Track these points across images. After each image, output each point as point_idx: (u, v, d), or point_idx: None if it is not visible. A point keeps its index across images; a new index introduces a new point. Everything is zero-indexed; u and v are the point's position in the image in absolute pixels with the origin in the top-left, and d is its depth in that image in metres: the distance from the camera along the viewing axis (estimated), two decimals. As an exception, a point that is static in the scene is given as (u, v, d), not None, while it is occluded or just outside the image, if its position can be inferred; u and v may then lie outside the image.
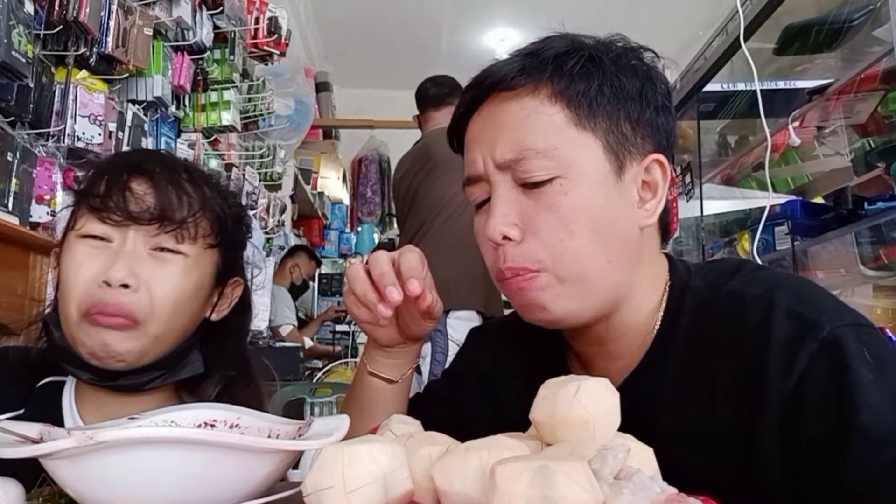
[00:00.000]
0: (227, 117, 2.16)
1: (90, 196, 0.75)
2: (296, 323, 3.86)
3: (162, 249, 0.75)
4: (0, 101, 1.25)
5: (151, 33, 1.68)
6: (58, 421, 0.77)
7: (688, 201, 2.52)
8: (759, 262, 1.77)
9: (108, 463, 0.44)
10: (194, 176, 0.80)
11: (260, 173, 2.72)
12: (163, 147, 1.83)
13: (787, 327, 0.55)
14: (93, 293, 0.72)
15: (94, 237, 0.74)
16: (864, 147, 1.90)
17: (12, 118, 1.31)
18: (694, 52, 2.51)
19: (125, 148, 1.60)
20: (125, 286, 0.72)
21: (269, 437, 0.58)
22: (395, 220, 4.19)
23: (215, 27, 2.11)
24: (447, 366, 0.89)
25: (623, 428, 0.43)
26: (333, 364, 3.33)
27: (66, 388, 0.81)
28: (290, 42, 2.72)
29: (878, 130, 1.82)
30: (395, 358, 0.76)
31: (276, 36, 2.55)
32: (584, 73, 0.62)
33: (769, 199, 1.80)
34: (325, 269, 5.28)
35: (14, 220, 1.27)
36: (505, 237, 0.62)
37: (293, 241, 4.05)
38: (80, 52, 1.46)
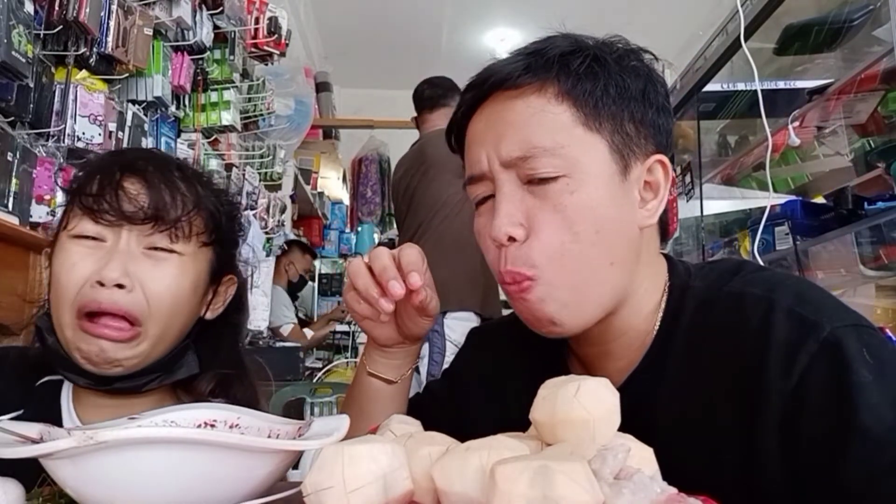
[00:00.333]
0: (227, 117, 2.16)
1: (83, 195, 0.74)
2: (296, 321, 3.85)
3: (156, 249, 0.75)
4: (0, 101, 1.25)
5: (151, 33, 1.68)
6: (57, 422, 0.76)
7: (688, 201, 2.52)
8: (760, 262, 1.77)
9: (108, 463, 0.44)
10: (187, 174, 0.80)
11: (260, 173, 2.72)
12: (163, 147, 1.83)
13: (788, 328, 0.55)
14: (86, 293, 0.71)
15: (87, 237, 0.73)
16: (864, 147, 1.90)
17: (12, 118, 1.31)
18: (694, 52, 2.51)
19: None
20: (120, 286, 0.71)
21: (269, 437, 0.58)
22: (394, 220, 4.19)
23: (215, 27, 2.11)
24: (446, 366, 0.89)
25: (623, 428, 0.43)
26: (333, 364, 3.33)
27: (65, 390, 0.80)
28: (290, 42, 2.72)
29: (878, 130, 1.82)
30: (395, 358, 0.76)
31: (276, 36, 2.55)
32: (590, 72, 0.62)
33: (769, 199, 1.80)
34: (325, 270, 5.28)
35: (14, 220, 1.27)
36: (510, 238, 0.61)
37: (292, 241, 4.05)
38: (80, 52, 1.45)
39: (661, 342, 0.64)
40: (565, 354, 0.73)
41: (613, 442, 0.40)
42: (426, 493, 0.41)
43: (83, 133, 1.45)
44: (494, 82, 0.64)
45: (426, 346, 2.31)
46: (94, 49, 1.49)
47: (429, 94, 2.73)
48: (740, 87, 2.31)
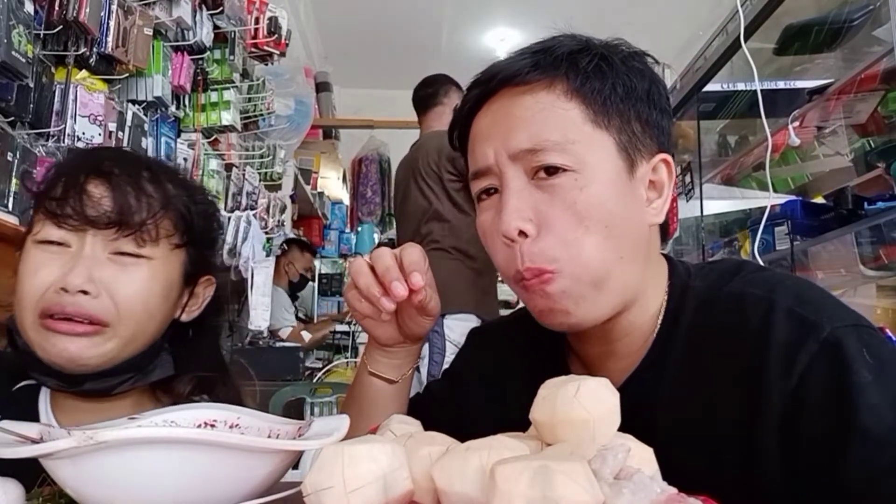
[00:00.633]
0: (227, 117, 2.16)
1: (46, 200, 0.72)
2: (295, 324, 3.85)
3: (122, 254, 0.72)
4: (0, 101, 1.25)
5: (151, 33, 1.68)
6: None
7: (688, 201, 2.52)
8: (760, 262, 1.77)
9: (108, 463, 0.44)
10: (157, 174, 0.77)
11: (260, 173, 2.72)
12: (163, 147, 1.83)
13: (788, 328, 0.55)
14: (49, 298, 0.69)
15: (51, 242, 0.71)
16: (864, 147, 1.90)
17: (12, 118, 1.31)
18: (694, 52, 2.51)
19: (125, 148, 1.60)
20: (84, 292, 0.69)
21: (269, 437, 0.58)
22: (394, 220, 4.19)
23: (215, 27, 2.11)
24: (446, 366, 0.89)
25: (623, 428, 0.43)
26: (333, 364, 3.33)
27: (42, 394, 0.78)
28: (290, 42, 2.72)
29: (878, 130, 1.82)
30: (396, 358, 0.76)
31: (276, 36, 2.55)
32: (598, 71, 0.62)
33: (770, 199, 1.80)
34: (325, 270, 5.28)
35: (14, 220, 1.27)
36: (521, 233, 0.60)
37: (292, 241, 4.04)
38: (80, 52, 1.45)
39: (661, 342, 0.64)
40: (566, 354, 0.73)
41: (613, 442, 0.40)
42: (426, 493, 0.41)
43: (83, 133, 1.44)
44: (503, 78, 0.64)
45: (426, 347, 2.32)
46: (94, 49, 1.49)
47: (422, 95, 2.77)
48: (740, 87, 2.31)
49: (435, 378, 0.92)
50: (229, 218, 2.25)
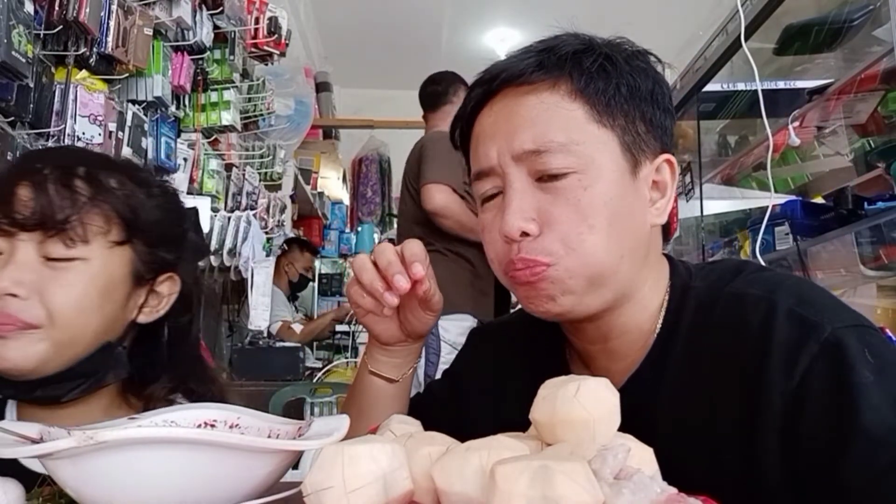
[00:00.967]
0: (227, 117, 2.16)
1: None
2: (287, 318, 3.83)
3: (53, 259, 0.70)
4: (0, 101, 1.25)
5: (151, 33, 1.68)
6: None
7: (688, 201, 2.52)
8: (761, 262, 1.77)
9: (108, 463, 0.44)
10: (94, 170, 0.73)
11: (260, 173, 2.72)
12: (163, 147, 1.83)
13: (789, 328, 0.55)
14: None
15: None
16: (864, 147, 1.90)
17: (12, 118, 1.31)
18: (694, 52, 2.51)
19: (125, 148, 1.60)
20: (13, 295, 0.68)
21: (269, 437, 0.58)
22: (395, 220, 4.19)
23: (215, 27, 2.11)
24: (443, 366, 0.89)
25: (623, 428, 0.43)
26: (333, 364, 3.33)
27: (9, 406, 0.76)
28: (290, 42, 2.72)
29: (878, 130, 1.82)
30: (396, 357, 0.76)
31: (276, 36, 2.55)
32: (602, 71, 0.62)
33: (771, 199, 1.80)
34: (325, 270, 5.28)
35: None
36: (523, 233, 0.60)
37: (292, 242, 4.04)
38: (80, 52, 1.46)
39: (662, 342, 0.64)
40: (566, 354, 0.73)
41: (613, 442, 0.40)
42: (426, 493, 0.41)
43: (83, 133, 1.45)
44: (506, 78, 0.64)
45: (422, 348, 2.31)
46: (94, 49, 1.49)
47: (430, 93, 2.71)
48: (740, 87, 2.31)
49: (431, 379, 0.92)
50: (229, 218, 2.25)
